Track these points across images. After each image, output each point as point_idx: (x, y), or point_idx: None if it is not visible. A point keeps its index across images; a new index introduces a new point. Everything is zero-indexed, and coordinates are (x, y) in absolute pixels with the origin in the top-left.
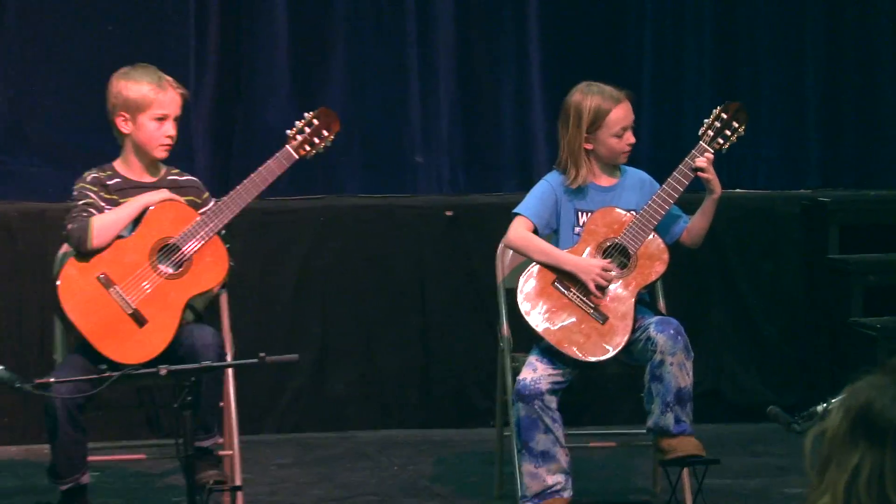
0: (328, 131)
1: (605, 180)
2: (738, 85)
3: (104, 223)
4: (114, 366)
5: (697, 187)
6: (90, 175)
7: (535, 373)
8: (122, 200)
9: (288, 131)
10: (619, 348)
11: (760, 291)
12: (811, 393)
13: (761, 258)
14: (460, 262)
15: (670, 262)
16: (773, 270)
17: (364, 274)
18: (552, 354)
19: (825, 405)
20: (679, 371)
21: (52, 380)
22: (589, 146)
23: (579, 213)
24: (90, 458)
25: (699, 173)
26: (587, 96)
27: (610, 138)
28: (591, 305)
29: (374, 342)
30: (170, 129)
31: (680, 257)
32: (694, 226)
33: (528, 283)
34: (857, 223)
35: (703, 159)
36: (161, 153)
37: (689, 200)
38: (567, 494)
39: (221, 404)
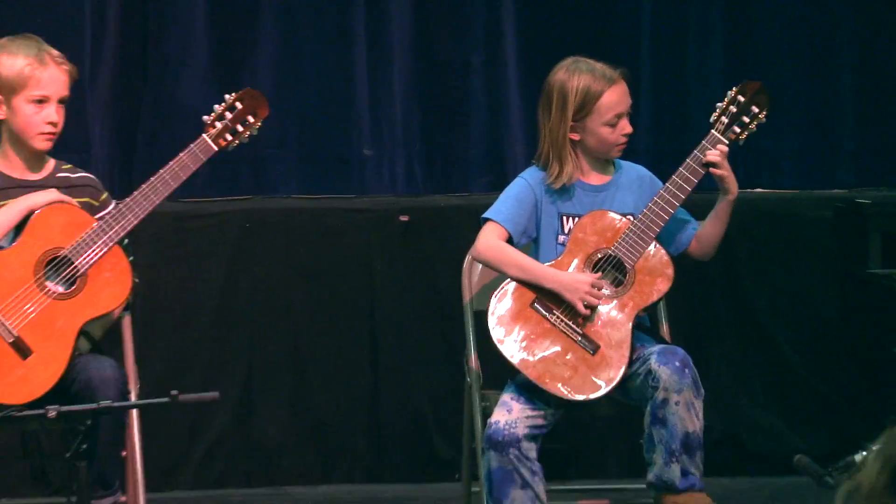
0: (254, 117)
1: (595, 178)
2: (756, 61)
3: None
4: None
5: (709, 186)
6: None
7: (509, 414)
8: (0, 203)
9: (205, 117)
10: (614, 384)
11: (785, 314)
12: (847, 439)
13: (786, 273)
14: (418, 279)
15: (675, 277)
16: (801, 288)
17: (300, 293)
18: (531, 392)
19: (864, 454)
20: (686, 412)
21: None
22: (576, 136)
23: (564, 219)
24: None
25: (711, 169)
26: (574, 76)
27: (601, 127)
28: (579, 331)
29: (312, 376)
30: (52, 113)
31: (687, 272)
32: (705, 233)
33: (501, 305)
34: None
35: (715, 152)
36: (42, 143)
37: (699, 202)
38: None
39: (124, 454)
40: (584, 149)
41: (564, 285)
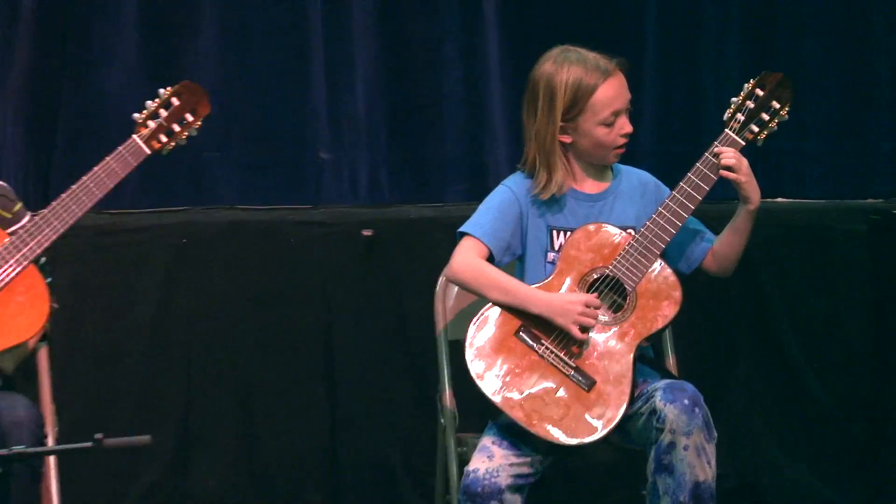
0: (193, 115)
1: (590, 186)
2: (778, 50)
3: None
4: None
5: (725, 194)
6: None
7: (490, 461)
8: None
9: (136, 115)
10: (612, 425)
11: (813, 344)
12: (883, 489)
13: (814, 296)
14: (384, 303)
15: (684, 301)
16: (831, 312)
17: (246, 320)
18: (516, 435)
19: None
20: (696, 458)
21: None
22: (567, 139)
23: (554, 233)
24: None
25: (726, 173)
26: (563, 68)
27: (596, 127)
28: (572, 364)
29: (259, 418)
30: None
31: (698, 294)
32: (723, 247)
33: (481, 333)
34: None
35: (731, 154)
36: None
37: (713, 214)
38: None
39: None
40: (577, 152)
41: (554, 308)
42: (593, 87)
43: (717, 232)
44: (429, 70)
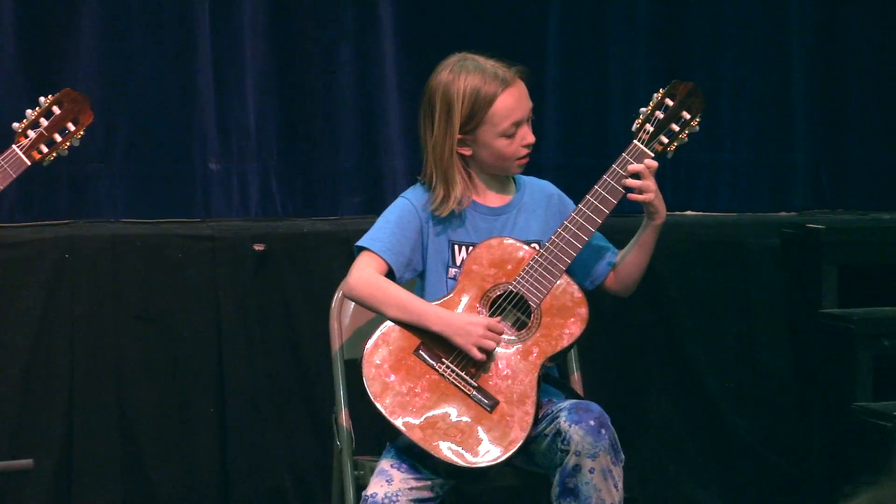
0: (75, 124)
1: (493, 198)
2: (692, 58)
3: None
4: None
5: (630, 208)
6: None
7: (389, 486)
8: None
9: (15, 125)
10: (515, 448)
11: (724, 365)
12: None
13: (724, 314)
14: (276, 321)
15: (590, 319)
16: (743, 332)
17: (131, 339)
18: (415, 457)
19: None
20: (603, 482)
21: None
22: (466, 151)
23: (456, 248)
24: None
25: (631, 182)
26: (459, 77)
27: (497, 139)
28: (474, 384)
29: (145, 442)
30: None
31: (606, 312)
32: (626, 264)
33: (378, 352)
34: (864, 262)
35: (638, 167)
36: None
37: (618, 227)
38: None
39: None
40: (478, 165)
41: (455, 328)
42: (492, 96)
43: (622, 245)
44: (322, 74)
